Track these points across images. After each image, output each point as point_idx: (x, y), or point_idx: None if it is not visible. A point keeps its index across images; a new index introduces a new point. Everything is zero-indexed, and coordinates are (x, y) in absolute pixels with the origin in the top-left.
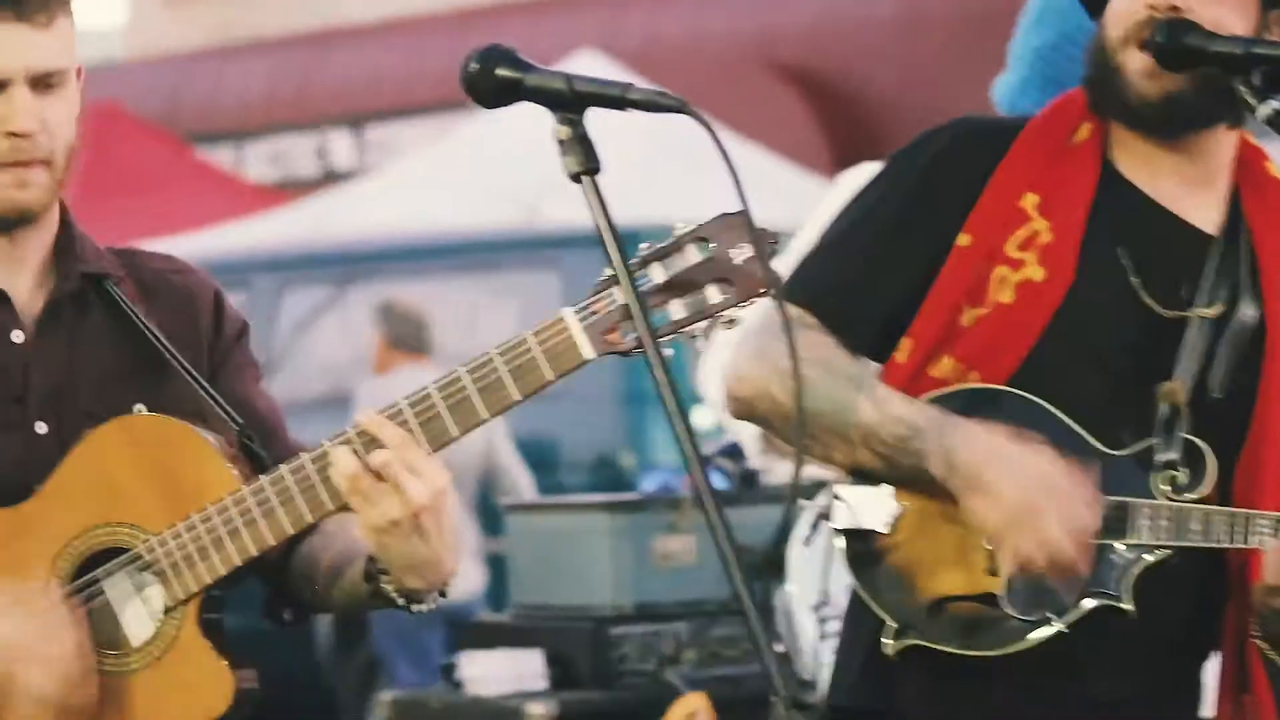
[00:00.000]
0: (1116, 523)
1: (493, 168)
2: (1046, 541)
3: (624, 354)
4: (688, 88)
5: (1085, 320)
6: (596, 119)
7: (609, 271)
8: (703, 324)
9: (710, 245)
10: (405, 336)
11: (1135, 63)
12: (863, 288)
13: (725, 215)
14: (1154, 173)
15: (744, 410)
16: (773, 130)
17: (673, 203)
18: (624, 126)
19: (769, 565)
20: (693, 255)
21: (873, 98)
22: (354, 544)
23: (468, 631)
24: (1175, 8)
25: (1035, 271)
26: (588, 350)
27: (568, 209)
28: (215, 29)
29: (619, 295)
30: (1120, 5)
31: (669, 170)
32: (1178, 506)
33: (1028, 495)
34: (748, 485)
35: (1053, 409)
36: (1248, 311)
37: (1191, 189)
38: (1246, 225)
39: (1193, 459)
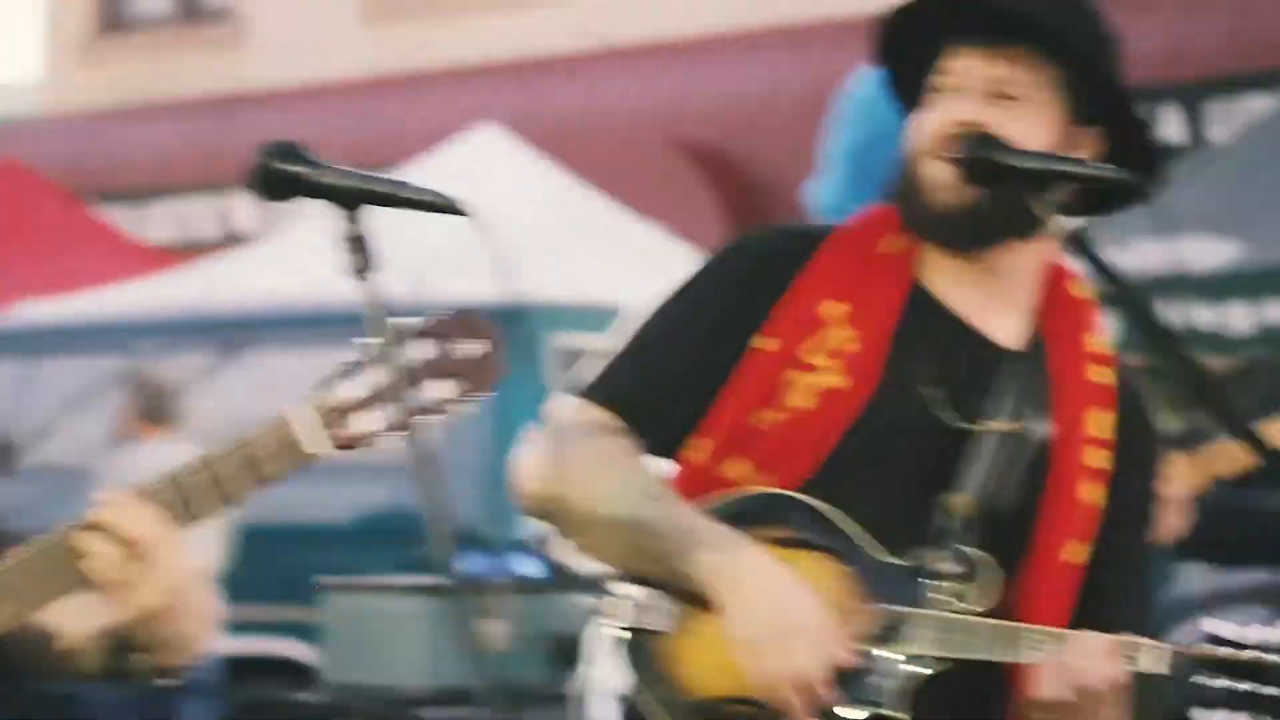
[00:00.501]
0: (890, 632)
1: (382, 238)
2: (792, 673)
3: (350, 448)
4: (591, 164)
5: (882, 430)
6: (518, 197)
7: (340, 365)
8: (433, 418)
9: (442, 340)
10: (152, 407)
11: (938, 175)
12: (665, 391)
13: (458, 311)
14: (958, 286)
15: (534, 509)
16: (675, 209)
17: (587, 280)
18: (546, 206)
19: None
20: (426, 350)
21: (778, 178)
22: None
23: (282, 710)
24: (977, 123)
25: (837, 379)
26: (325, 445)
27: (456, 283)
28: (128, 88)
29: (351, 389)
30: (927, 116)
31: (585, 249)
32: (952, 618)
33: (777, 625)
34: (561, 573)
35: (837, 516)
36: (1036, 428)
37: (995, 304)
38: (1044, 342)
39: (974, 572)
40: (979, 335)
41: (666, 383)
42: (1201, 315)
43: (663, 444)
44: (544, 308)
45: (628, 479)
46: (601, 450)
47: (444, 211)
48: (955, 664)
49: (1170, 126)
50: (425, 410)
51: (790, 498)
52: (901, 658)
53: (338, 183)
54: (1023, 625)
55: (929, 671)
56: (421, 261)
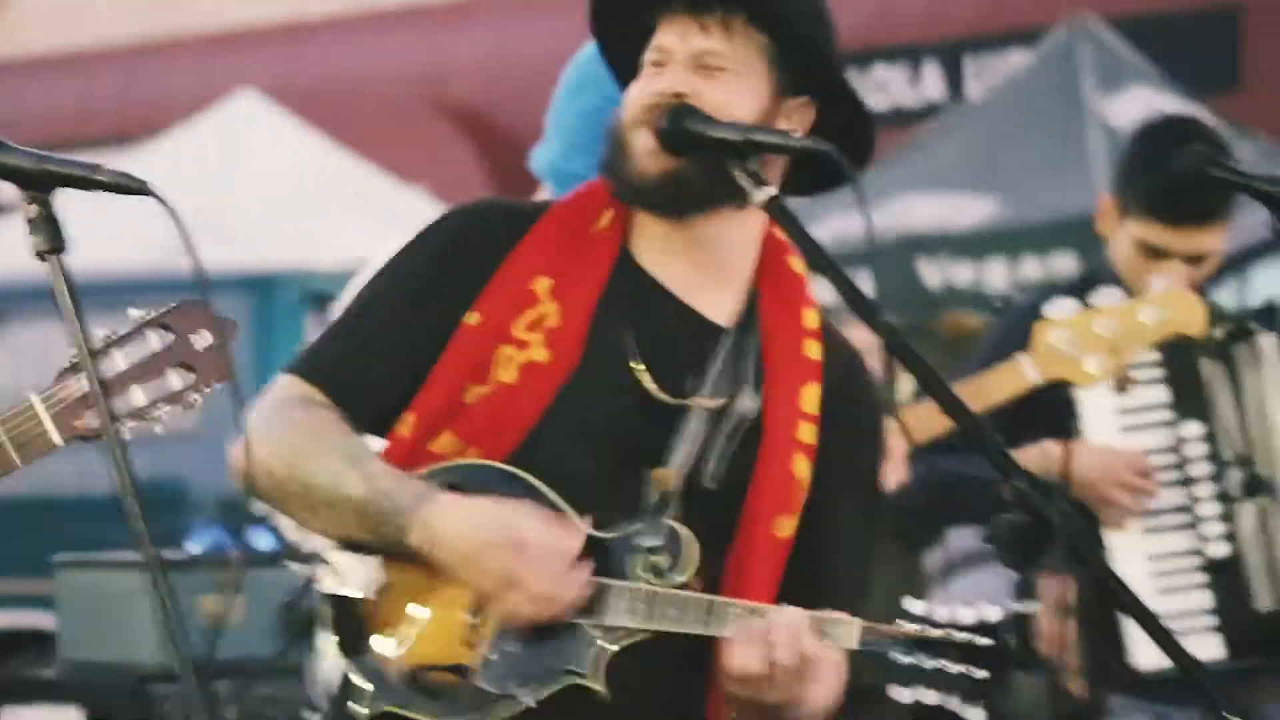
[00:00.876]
0: (594, 603)
1: (138, 206)
2: (533, 596)
3: (88, 439)
4: (354, 128)
5: (586, 403)
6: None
7: (73, 357)
8: (165, 409)
9: (171, 332)
10: None
11: (641, 143)
12: (370, 365)
13: (186, 302)
14: (668, 261)
15: (245, 485)
16: (439, 172)
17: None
18: (304, 172)
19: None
20: (154, 342)
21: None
22: None
23: (8, 686)
24: (681, 94)
25: (540, 353)
26: (56, 437)
27: (217, 250)
28: None
29: (83, 381)
30: (633, 89)
31: (344, 215)
32: (654, 591)
33: (505, 556)
34: (290, 546)
35: (542, 487)
36: (747, 404)
37: (707, 278)
38: (759, 317)
39: (677, 546)
40: (688, 308)
41: (369, 357)
42: (961, 273)
43: (370, 418)
44: (301, 274)
45: (332, 451)
46: (306, 424)
47: (135, 193)
48: (662, 636)
49: (931, 83)
50: (158, 402)
51: (496, 469)
52: (602, 629)
53: (24, 165)
54: (723, 599)
55: (627, 642)
56: (172, 233)
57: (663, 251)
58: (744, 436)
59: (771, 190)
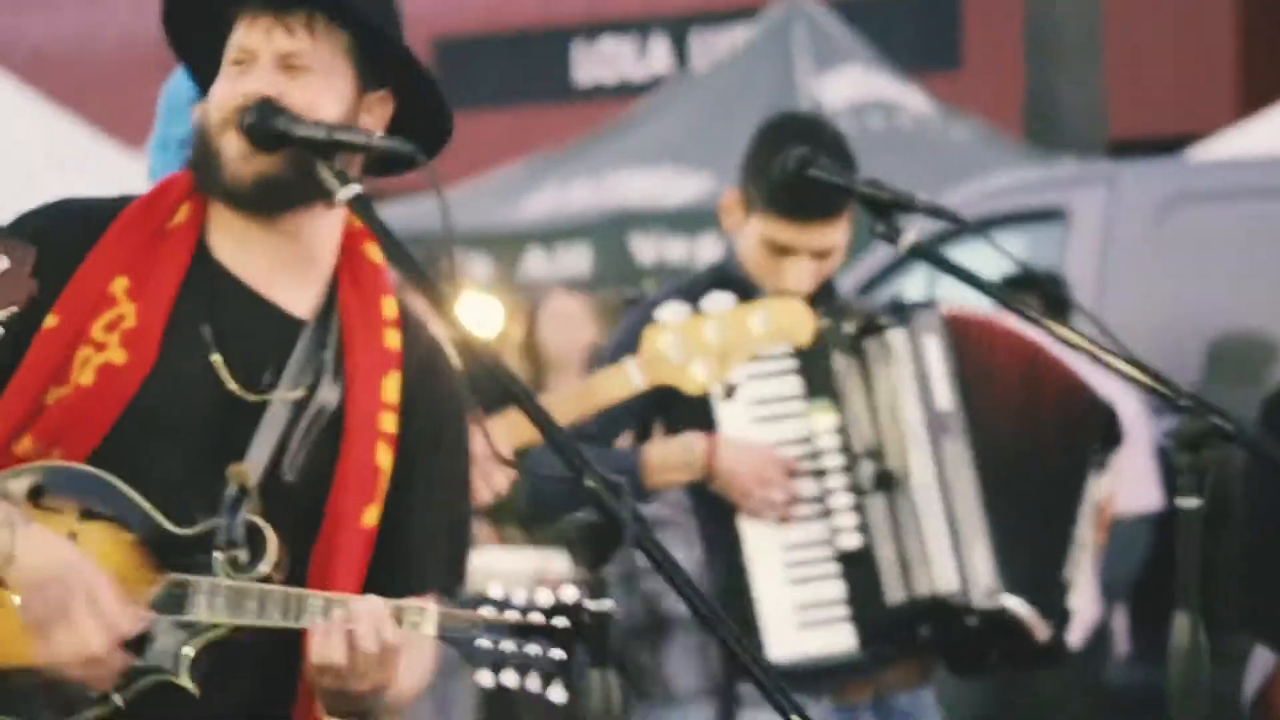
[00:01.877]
0: (176, 599)
1: None
2: (77, 648)
3: None
4: (80, 91)
5: (165, 401)
6: None
7: None
8: None
9: None
10: None
11: (231, 146)
12: None
13: None
14: (247, 255)
15: None
16: None
17: None
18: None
19: None
20: None
21: None
22: None
23: None
24: (266, 97)
25: (117, 354)
26: None
27: None
28: None
29: None
30: (219, 90)
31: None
32: (234, 585)
33: (58, 602)
34: None
35: (121, 486)
36: (328, 396)
37: (287, 272)
38: (339, 309)
39: (257, 540)
40: (267, 303)
41: None
42: (675, 248)
43: None
44: None
45: None
46: None
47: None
48: (250, 631)
49: (657, 57)
50: None
51: (77, 470)
52: (184, 625)
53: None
54: (304, 591)
55: (212, 637)
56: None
57: (241, 246)
58: (325, 428)
59: (356, 188)
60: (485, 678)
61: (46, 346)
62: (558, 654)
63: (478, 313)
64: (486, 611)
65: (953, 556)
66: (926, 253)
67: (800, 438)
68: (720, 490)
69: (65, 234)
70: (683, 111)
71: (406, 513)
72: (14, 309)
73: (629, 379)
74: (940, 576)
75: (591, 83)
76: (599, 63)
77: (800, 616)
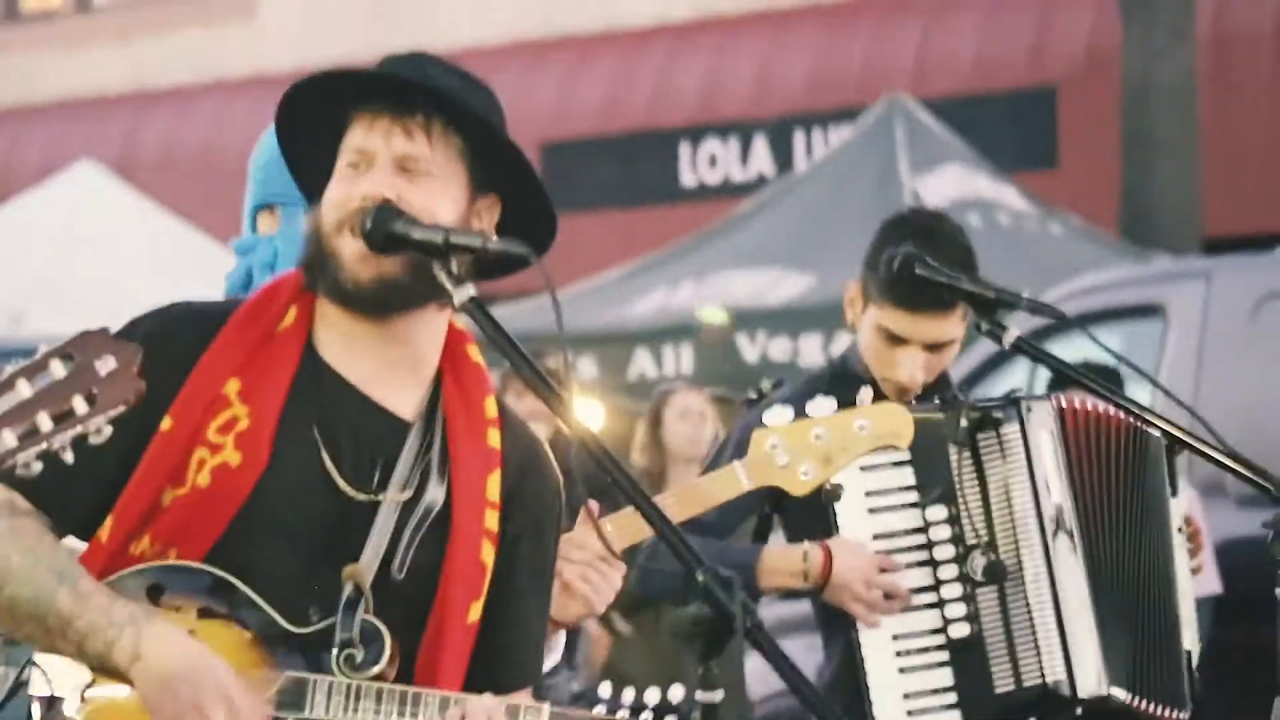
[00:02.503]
0: (295, 697)
1: None
2: None
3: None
4: (197, 197)
5: (279, 501)
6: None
7: None
8: (69, 434)
9: (74, 360)
10: None
11: (349, 248)
12: (70, 472)
13: (86, 332)
14: (355, 356)
15: None
16: None
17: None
18: (141, 244)
19: None
20: (58, 370)
21: None
22: None
23: None
24: (386, 199)
25: (232, 456)
26: None
27: (54, 318)
28: None
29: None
30: (334, 193)
31: (181, 287)
32: (351, 683)
33: (189, 697)
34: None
35: (239, 585)
36: (435, 495)
37: (394, 373)
38: (443, 410)
39: (372, 639)
40: (375, 404)
41: (72, 464)
42: (779, 347)
43: (71, 526)
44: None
45: (32, 557)
46: (9, 533)
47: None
48: None
49: (760, 157)
50: (60, 430)
51: (192, 569)
52: None
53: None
54: (420, 689)
55: None
56: (21, 294)
57: (348, 347)
58: (433, 527)
59: (471, 290)
60: None
61: (163, 448)
62: None
63: (581, 413)
64: (599, 711)
65: (1060, 647)
66: (1029, 348)
67: (914, 528)
68: (831, 600)
69: (179, 337)
70: (786, 211)
71: (505, 608)
72: (123, 408)
73: (737, 481)
74: (1049, 667)
75: (696, 184)
76: (704, 164)
77: (909, 704)
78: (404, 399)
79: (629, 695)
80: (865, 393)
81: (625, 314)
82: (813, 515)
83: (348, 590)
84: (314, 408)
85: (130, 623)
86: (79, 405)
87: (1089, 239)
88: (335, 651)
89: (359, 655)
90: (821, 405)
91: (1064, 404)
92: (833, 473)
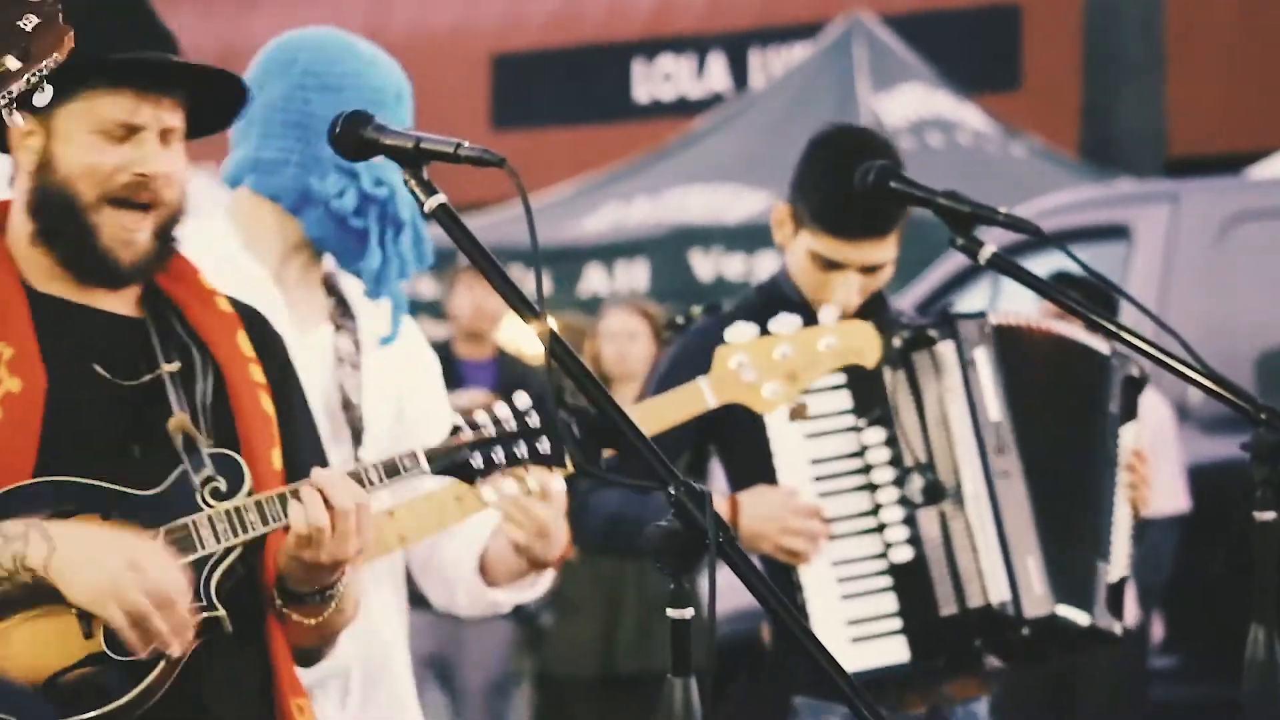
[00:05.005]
0: (186, 541)
1: None
2: (134, 610)
3: None
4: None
5: (71, 409)
6: None
7: None
8: (11, 93)
9: None
10: None
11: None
12: None
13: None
14: (58, 279)
15: None
16: None
17: None
18: None
19: None
20: None
21: None
22: None
23: None
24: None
25: (13, 384)
26: None
27: None
28: None
29: None
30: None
31: None
32: (228, 508)
33: (113, 568)
34: None
35: (76, 480)
36: (199, 360)
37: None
38: (163, 295)
39: (227, 468)
40: (103, 311)
41: None
42: (733, 265)
43: None
44: None
45: None
46: None
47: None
48: (251, 549)
49: (716, 75)
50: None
51: (22, 488)
52: (204, 561)
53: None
54: (284, 488)
55: (226, 564)
56: None
57: (49, 271)
58: (215, 390)
59: (441, 198)
60: (489, 493)
61: None
62: (544, 446)
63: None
64: (464, 435)
65: (1004, 568)
66: (1006, 265)
67: (851, 452)
68: (753, 550)
69: None
70: (742, 129)
71: (298, 450)
72: (55, 58)
73: (702, 398)
74: (992, 588)
75: (650, 100)
76: (657, 80)
77: (853, 630)
78: (118, 302)
79: (482, 416)
80: (827, 312)
81: (578, 230)
82: (750, 445)
83: (179, 440)
84: (54, 325)
85: (25, 531)
86: (12, 64)
87: (1051, 161)
88: (198, 491)
89: (223, 484)
90: (786, 321)
91: (1000, 321)
92: (797, 391)
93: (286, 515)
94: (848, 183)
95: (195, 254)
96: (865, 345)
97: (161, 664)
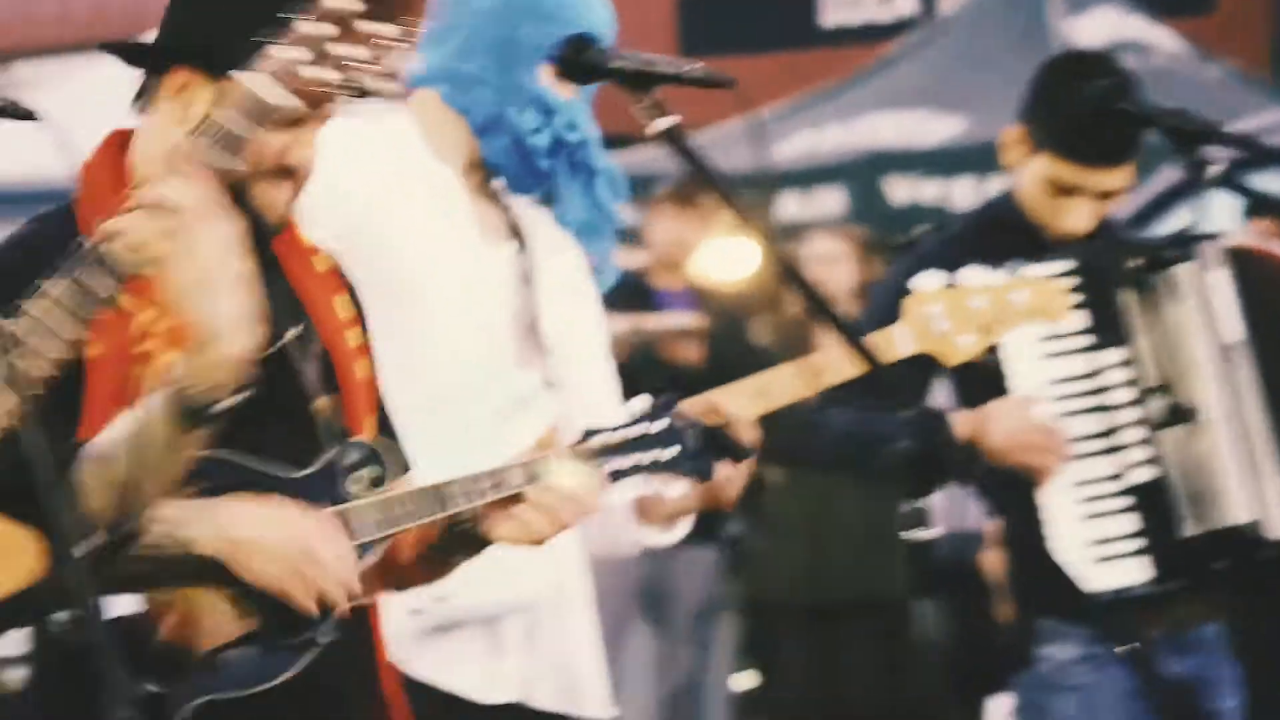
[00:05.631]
0: (344, 529)
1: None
2: (320, 590)
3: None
4: None
5: None
6: None
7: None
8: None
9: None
10: None
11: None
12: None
13: None
14: None
15: None
16: None
17: None
18: None
19: None
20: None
21: None
22: None
23: None
24: None
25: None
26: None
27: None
28: None
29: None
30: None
31: None
32: (386, 498)
33: (296, 547)
34: None
35: (227, 457)
36: (302, 329)
37: None
38: (280, 264)
39: (376, 455)
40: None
41: None
42: (927, 190)
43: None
44: None
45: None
46: None
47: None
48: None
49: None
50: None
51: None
52: (358, 549)
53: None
54: (446, 480)
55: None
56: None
57: None
58: (315, 358)
59: (670, 119)
60: (624, 491)
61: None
62: (669, 452)
63: (737, 255)
64: (600, 440)
65: (1246, 488)
66: (1233, 182)
67: (1089, 373)
68: (995, 464)
69: (43, 246)
70: (933, 55)
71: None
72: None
73: (895, 346)
74: (1234, 509)
75: (837, 26)
76: (845, 6)
77: (1094, 551)
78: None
79: (619, 417)
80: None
81: (770, 157)
82: (983, 368)
83: (326, 424)
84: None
85: (204, 515)
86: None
87: (1245, 84)
88: (348, 478)
89: (374, 474)
90: (976, 274)
91: (1236, 243)
92: (989, 343)
93: (444, 507)
94: (1088, 107)
95: (383, 151)
96: (1055, 304)
97: (315, 646)
